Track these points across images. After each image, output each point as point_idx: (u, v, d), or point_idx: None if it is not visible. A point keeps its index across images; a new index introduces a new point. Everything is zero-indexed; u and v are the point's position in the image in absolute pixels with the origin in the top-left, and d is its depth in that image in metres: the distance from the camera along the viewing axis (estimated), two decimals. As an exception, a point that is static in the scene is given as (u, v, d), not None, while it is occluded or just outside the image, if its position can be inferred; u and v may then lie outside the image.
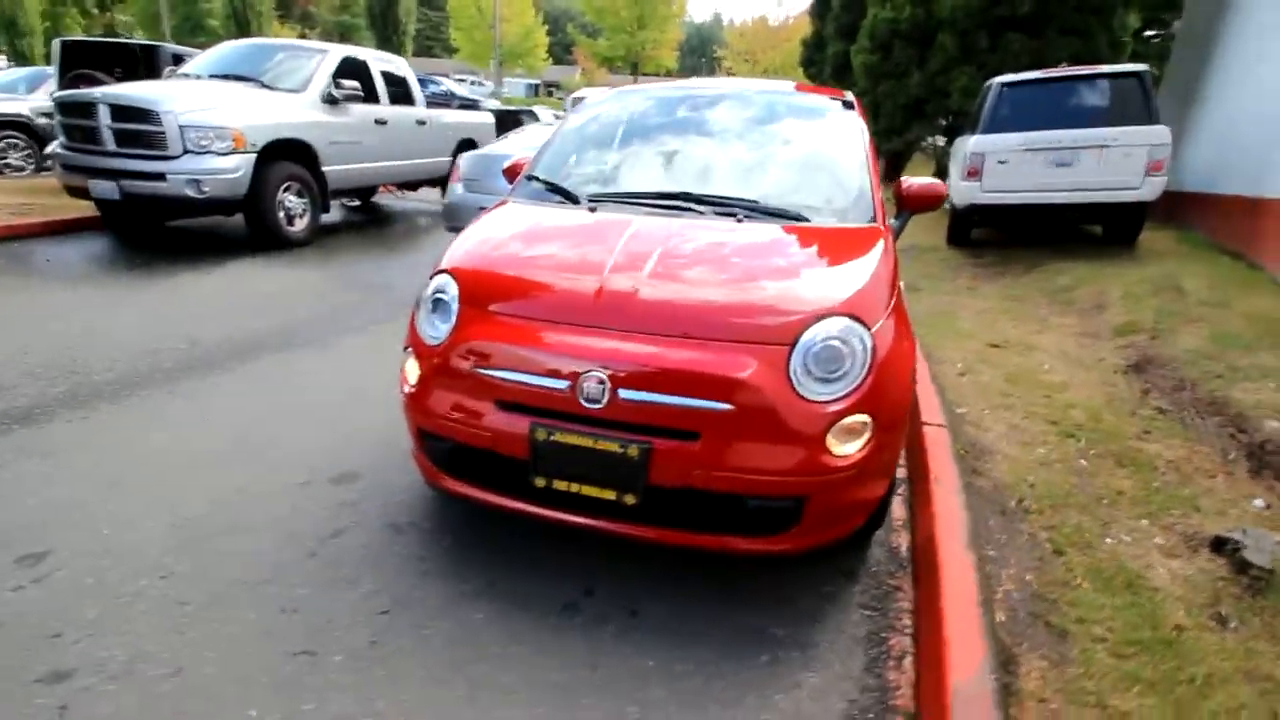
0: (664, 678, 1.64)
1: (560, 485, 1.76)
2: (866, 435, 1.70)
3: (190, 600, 1.83)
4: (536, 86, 33.64)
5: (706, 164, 2.55)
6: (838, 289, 1.83)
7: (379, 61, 7.36)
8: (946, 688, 1.46)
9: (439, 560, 2.03)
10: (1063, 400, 3.32)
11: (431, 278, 2.10)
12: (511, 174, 2.92)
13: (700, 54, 48.93)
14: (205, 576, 1.92)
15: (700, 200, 2.28)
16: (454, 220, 5.73)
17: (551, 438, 1.73)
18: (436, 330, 1.96)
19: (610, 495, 1.72)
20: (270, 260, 5.60)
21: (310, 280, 5.17)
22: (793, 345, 1.69)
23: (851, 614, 1.90)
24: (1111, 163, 6.02)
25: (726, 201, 2.26)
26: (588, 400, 1.70)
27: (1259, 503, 2.48)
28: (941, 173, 10.45)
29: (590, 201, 2.37)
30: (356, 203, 7.77)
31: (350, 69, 6.72)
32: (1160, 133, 5.92)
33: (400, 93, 7.48)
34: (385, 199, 9.21)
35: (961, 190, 6.66)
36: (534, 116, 12.67)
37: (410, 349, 2.03)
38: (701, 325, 1.75)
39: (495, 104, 15.00)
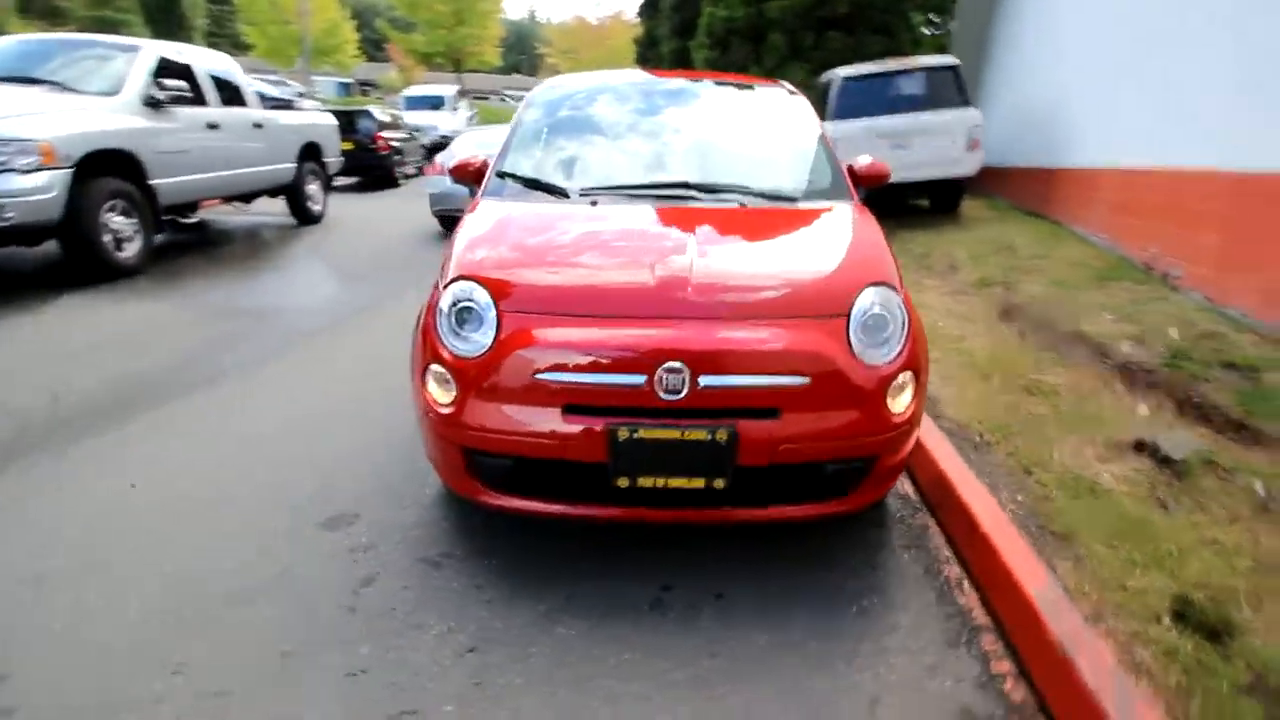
0: (782, 648, 1.68)
1: (645, 482, 1.73)
2: (912, 391, 1.86)
3: (229, 689, 1.55)
4: (349, 85, 31.17)
5: (684, 152, 2.59)
6: (868, 261, 1.97)
7: (201, 59, 6.45)
8: (1029, 599, 1.66)
9: (499, 586, 1.90)
10: (967, 349, 3.81)
11: (445, 287, 1.94)
12: (462, 174, 2.75)
13: (521, 51, 48.35)
14: (231, 659, 1.63)
15: (697, 188, 2.32)
16: (444, 206, 7.40)
17: (635, 435, 1.69)
18: (470, 342, 1.82)
19: (699, 483, 1.72)
20: (105, 293, 4.74)
21: (166, 312, 4.45)
22: (848, 316, 1.80)
23: (899, 556, 2.07)
24: (939, 143, 6.94)
25: (721, 188, 2.33)
26: (668, 392, 1.68)
27: (1143, 409, 3.05)
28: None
29: (582, 194, 2.32)
30: (194, 219, 6.77)
31: (170, 68, 5.82)
32: (975, 115, 6.93)
33: (230, 94, 6.61)
34: (218, 214, 8.11)
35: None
36: (371, 117, 11.83)
37: (432, 367, 1.87)
38: (761, 306, 1.80)
39: (314, 104, 13.75)
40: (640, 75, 3.21)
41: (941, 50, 9.80)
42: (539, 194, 2.39)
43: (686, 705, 1.52)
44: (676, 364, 1.68)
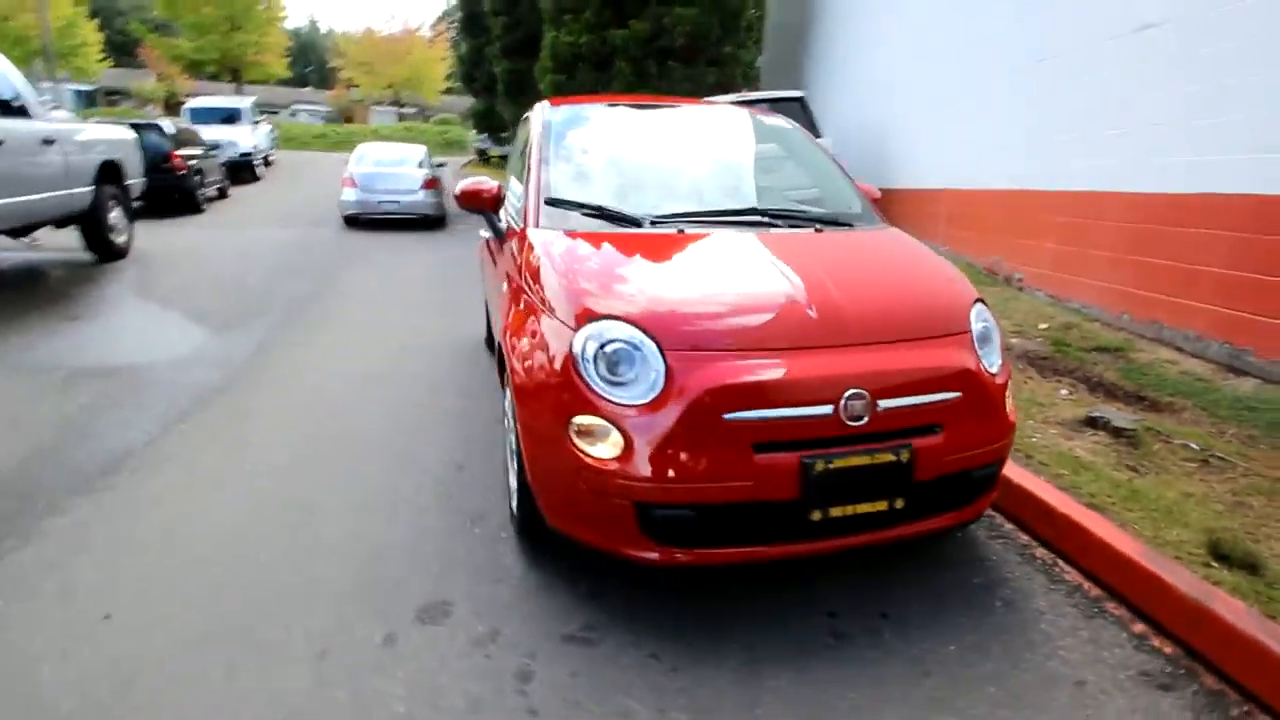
0: (972, 652, 1.75)
1: (836, 512, 1.70)
2: (1010, 396, 2.06)
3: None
4: (91, 93, 25.93)
5: (727, 177, 2.60)
6: (959, 279, 2.14)
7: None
8: (1131, 559, 1.92)
9: (673, 650, 1.73)
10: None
11: (578, 329, 1.74)
12: (474, 201, 2.49)
13: (306, 62, 44.11)
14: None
15: (764, 214, 2.34)
16: (355, 212, 10.39)
17: (830, 465, 1.66)
18: (630, 387, 1.66)
19: (883, 505, 1.74)
20: None
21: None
22: (969, 331, 1.95)
23: (993, 547, 2.26)
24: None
25: (787, 214, 2.37)
26: (852, 419, 1.68)
27: (1063, 391, 3.66)
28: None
29: (654, 223, 2.22)
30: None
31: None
32: (826, 144, 7.75)
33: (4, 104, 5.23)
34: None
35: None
36: (161, 131, 10.09)
37: (577, 420, 1.67)
38: (904, 327, 1.87)
39: (65, 114, 11.28)
40: (633, 101, 3.13)
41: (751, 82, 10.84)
42: (602, 223, 2.24)
43: None
44: (860, 389, 1.69)
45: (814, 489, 1.66)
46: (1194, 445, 2.91)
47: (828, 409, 1.67)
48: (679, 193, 2.44)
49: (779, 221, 2.32)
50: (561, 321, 1.82)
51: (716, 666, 1.69)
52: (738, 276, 1.97)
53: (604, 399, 1.67)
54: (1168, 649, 1.79)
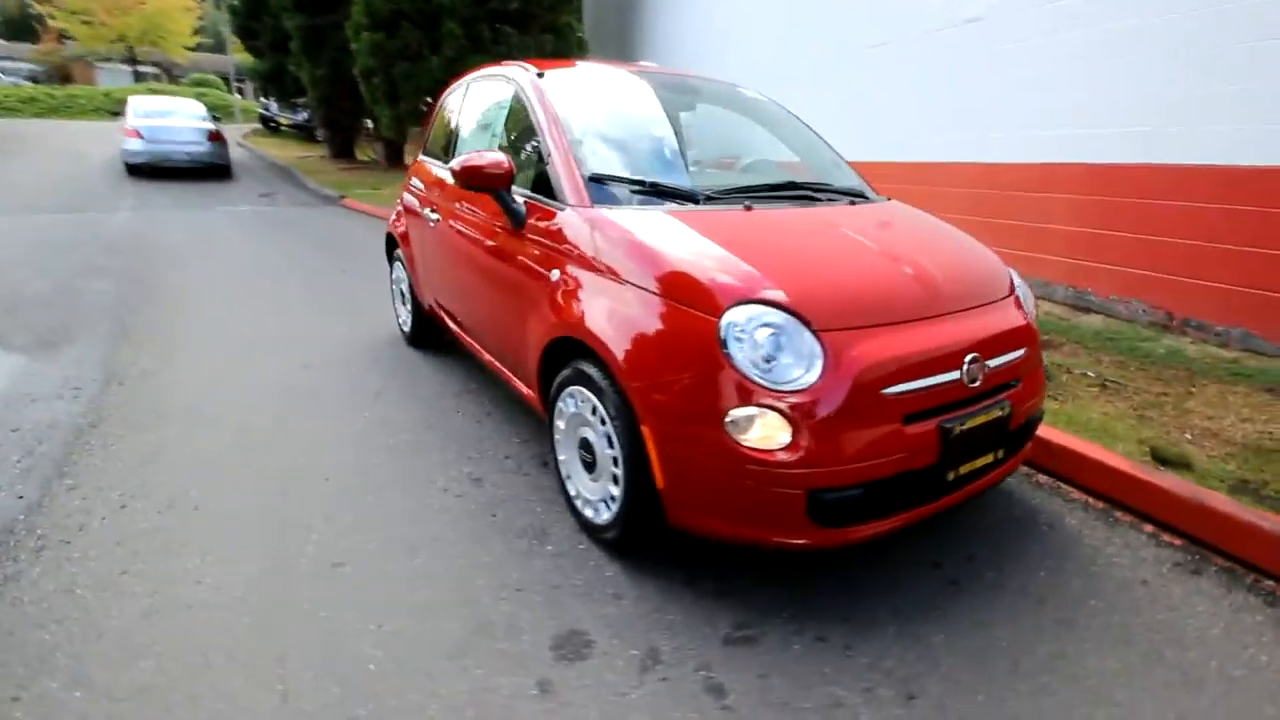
0: (1058, 574, 1.99)
1: (964, 469, 1.80)
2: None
3: None
4: None
5: (745, 150, 2.54)
6: (983, 247, 2.33)
7: None
8: (1126, 472, 2.31)
9: (841, 633, 1.73)
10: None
11: (722, 316, 1.63)
12: (482, 178, 2.19)
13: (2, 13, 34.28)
14: None
15: (805, 188, 2.34)
16: (142, 162, 11.02)
17: (962, 427, 1.75)
18: (789, 372, 1.60)
19: (990, 458, 1.88)
20: None
21: None
22: (1014, 293, 2.15)
23: (1028, 484, 2.55)
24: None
25: (823, 188, 2.39)
26: (972, 381, 1.79)
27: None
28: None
29: (707, 199, 2.11)
30: None
31: None
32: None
33: None
34: None
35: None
36: None
37: (737, 412, 1.58)
38: (979, 292, 2.01)
39: None
40: (625, 67, 2.90)
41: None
42: (656, 200, 2.09)
43: (1111, 687, 1.69)
44: (975, 353, 1.79)
45: (950, 451, 1.75)
46: (1090, 374, 3.54)
47: (956, 374, 1.75)
48: (708, 166, 2.35)
49: (820, 196, 2.35)
50: (694, 309, 1.69)
51: (880, 636, 1.73)
52: (838, 252, 1.96)
53: (764, 387, 1.59)
54: (1177, 541, 2.19)
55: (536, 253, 2.18)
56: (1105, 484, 2.42)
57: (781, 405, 1.58)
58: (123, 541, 2.02)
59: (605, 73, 2.73)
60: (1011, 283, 2.16)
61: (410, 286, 3.66)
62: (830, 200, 2.36)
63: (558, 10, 10.49)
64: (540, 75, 2.50)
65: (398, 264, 3.87)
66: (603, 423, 1.91)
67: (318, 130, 16.73)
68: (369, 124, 13.96)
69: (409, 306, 3.78)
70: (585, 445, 2.04)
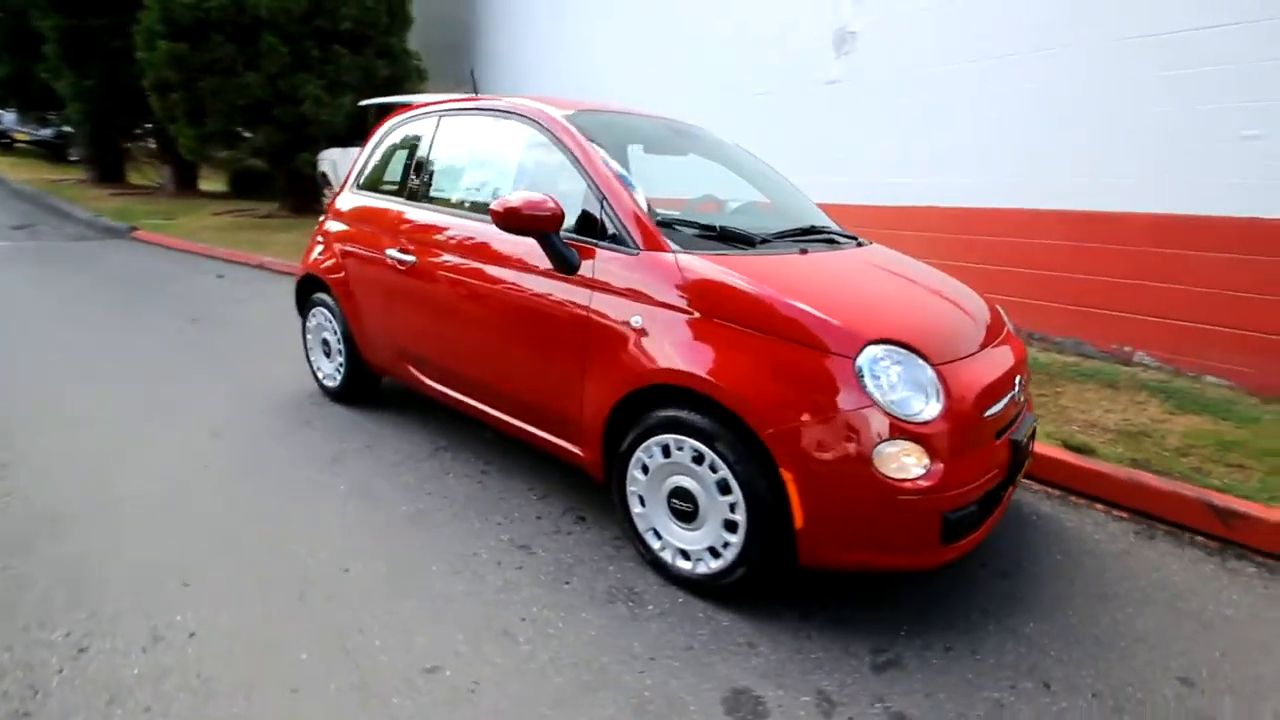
0: (1096, 560, 2.34)
1: (1016, 477, 2.07)
2: None
3: None
4: None
5: (760, 193, 2.64)
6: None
7: None
8: (1073, 463, 2.80)
9: (962, 641, 1.87)
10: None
11: (856, 357, 1.71)
12: (532, 221, 2.07)
13: None
14: None
15: (823, 232, 2.51)
16: None
17: (1023, 439, 2.01)
18: (917, 405, 1.73)
19: (1024, 466, 2.17)
20: None
21: None
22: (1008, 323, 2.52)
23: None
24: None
25: (834, 232, 2.58)
26: (1021, 398, 2.07)
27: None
28: (312, 181, 9.98)
29: (762, 243, 2.19)
30: None
31: None
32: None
33: None
34: None
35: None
36: None
37: (884, 446, 1.68)
38: (999, 325, 2.32)
39: None
40: (611, 109, 2.82)
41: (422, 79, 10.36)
42: (720, 243, 2.12)
43: (1169, 639, 2.03)
44: (1019, 376, 2.08)
45: (1017, 461, 2.00)
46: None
47: (1013, 393, 2.02)
48: (741, 212, 2.43)
49: (840, 238, 2.53)
50: (825, 351, 1.75)
51: (986, 636, 1.90)
52: (904, 292, 2.14)
53: (902, 421, 1.70)
54: (1125, 515, 2.69)
55: (603, 299, 2.08)
56: (1059, 474, 2.90)
57: (917, 436, 1.71)
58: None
59: (611, 115, 2.69)
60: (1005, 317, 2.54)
61: (345, 337, 3.23)
62: (845, 242, 2.57)
63: (393, 33, 9.96)
64: (570, 116, 2.41)
65: (320, 311, 3.40)
66: (713, 470, 1.88)
67: (71, 149, 13.91)
68: (152, 143, 11.95)
69: (340, 359, 3.34)
70: (681, 495, 1.99)
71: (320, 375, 3.55)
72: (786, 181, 3.06)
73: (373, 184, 3.20)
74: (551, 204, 2.08)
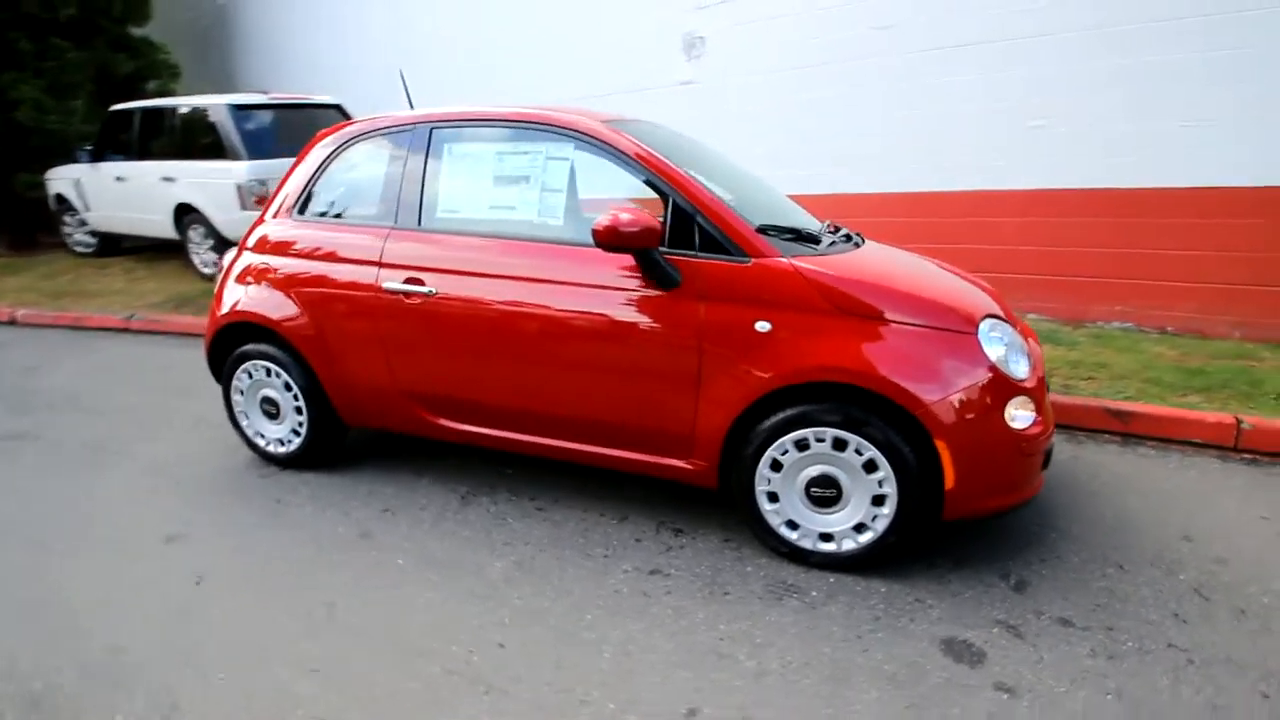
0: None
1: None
2: None
3: None
4: None
5: (771, 194, 2.77)
6: None
7: None
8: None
9: (1080, 608, 2.26)
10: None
11: (977, 332, 1.99)
12: (639, 239, 2.03)
13: None
14: None
15: (839, 228, 2.74)
16: None
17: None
18: (1018, 366, 2.06)
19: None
20: None
21: None
22: None
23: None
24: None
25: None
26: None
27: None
28: (38, 207, 7.90)
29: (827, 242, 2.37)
30: None
31: None
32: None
33: None
34: None
35: (248, 220, 6.01)
36: None
37: (1016, 399, 1.99)
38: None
39: None
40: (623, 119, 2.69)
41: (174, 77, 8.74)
42: (799, 244, 2.24)
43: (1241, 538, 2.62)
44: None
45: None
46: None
47: (1033, 349, 2.48)
48: (771, 211, 2.52)
49: (855, 235, 2.79)
50: (951, 330, 1.99)
51: (1060, 541, 2.32)
52: (954, 277, 2.44)
53: (1016, 381, 2.01)
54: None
55: (718, 310, 2.10)
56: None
57: (1025, 391, 2.03)
58: None
59: (639, 124, 2.60)
60: None
61: (308, 391, 2.75)
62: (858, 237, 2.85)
63: (129, 21, 8.19)
64: (622, 128, 2.33)
65: (258, 367, 2.82)
66: (859, 453, 2.04)
67: None
68: None
69: (300, 418, 2.82)
70: (821, 483, 2.11)
71: (262, 442, 2.95)
72: (753, 177, 3.26)
73: (327, 211, 2.73)
74: (655, 220, 2.04)
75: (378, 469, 2.93)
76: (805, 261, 2.10)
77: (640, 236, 2.03)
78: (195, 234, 6.44)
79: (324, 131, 2.83)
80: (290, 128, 6.47)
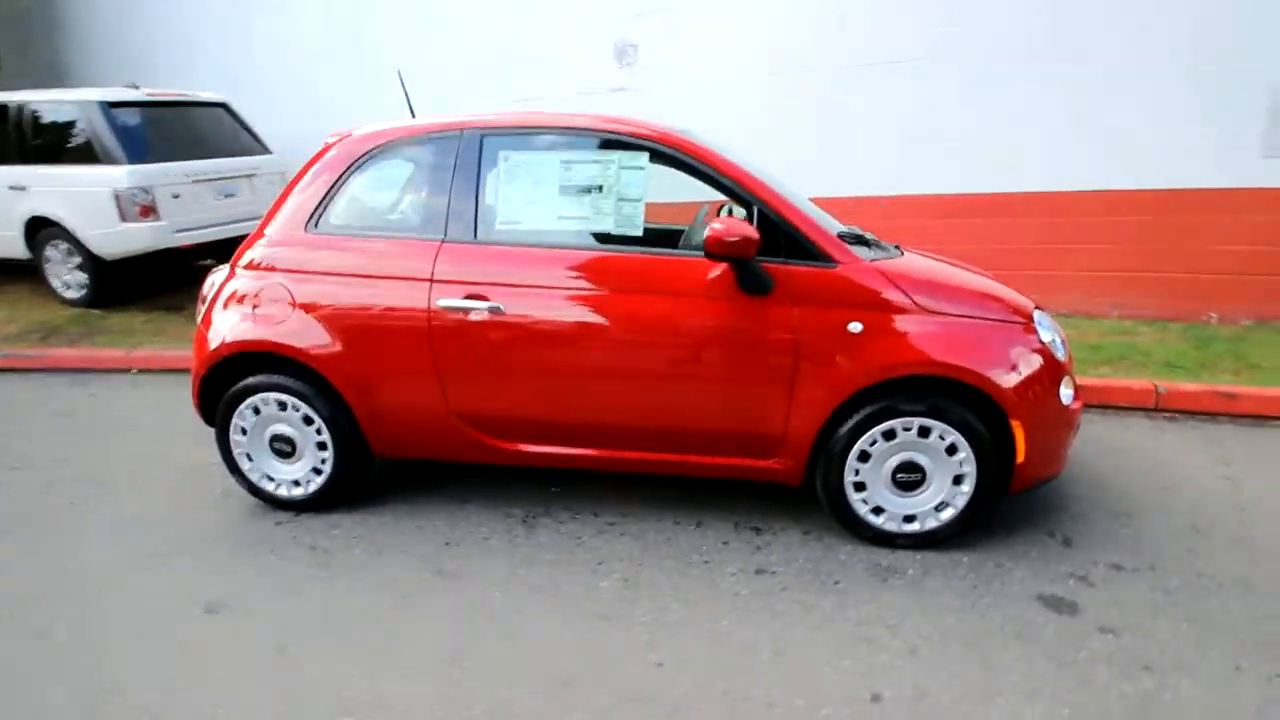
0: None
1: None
2: None
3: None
4: None
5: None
6: None
7: None
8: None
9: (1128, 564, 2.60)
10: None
11: (1035, 321, 2.25)
12: (743, 248, 2.09)
13: None
14: None
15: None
16: None
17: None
18: (1060, 350, 2.35)
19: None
20: None
21: None
22: None
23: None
24: (259, 191, 6.28)
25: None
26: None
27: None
28: None
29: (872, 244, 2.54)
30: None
31: None
32: (278, 160, 6.52)
33: None
34: None
35: (129, 233, 5.25)
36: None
37: (1065, 379, 2.29)
38: None
39: None
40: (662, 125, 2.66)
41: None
42: (863, 247, 2.39)
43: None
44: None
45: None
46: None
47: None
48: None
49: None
50: (1013, 322, 2.23)
51: (1087, 501, 2.68)
52: (975, 272, 2.70)
53: (1061, 362, 2.30)
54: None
55: (810, 313, 2.19)
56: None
57: (1067, 371, 2.33)
58: None
59: (690, 130, 2.61)
60: None
61: (334, 422, 2.49)
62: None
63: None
64: (692, 135, 2.35)
65: (268, 400, 2.51)
66: (941, 438, 2.23)
67: None
68: None
69: (323, 454, 2.55)
70: (905, 469, 2.28)
71: (270, 485, 2.63)
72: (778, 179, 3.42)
73: (350, 224, 2.48)
74: (755, 230, 2.10)
75: (409, 501, 2.71)
76: (886, 265, 2.26)
77: (741, 246, 2.08)
78: (55, 251, 5.47)
79: (339, 135, 2.56)
80: (170, 128, 5.72)
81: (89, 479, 2.96)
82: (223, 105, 6.26)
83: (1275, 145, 4.36)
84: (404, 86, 2.93)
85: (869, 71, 5.35)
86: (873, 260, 2.27)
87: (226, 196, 5.92)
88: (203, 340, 2.56)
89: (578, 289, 2.30)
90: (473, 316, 2.32)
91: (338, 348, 2.42)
